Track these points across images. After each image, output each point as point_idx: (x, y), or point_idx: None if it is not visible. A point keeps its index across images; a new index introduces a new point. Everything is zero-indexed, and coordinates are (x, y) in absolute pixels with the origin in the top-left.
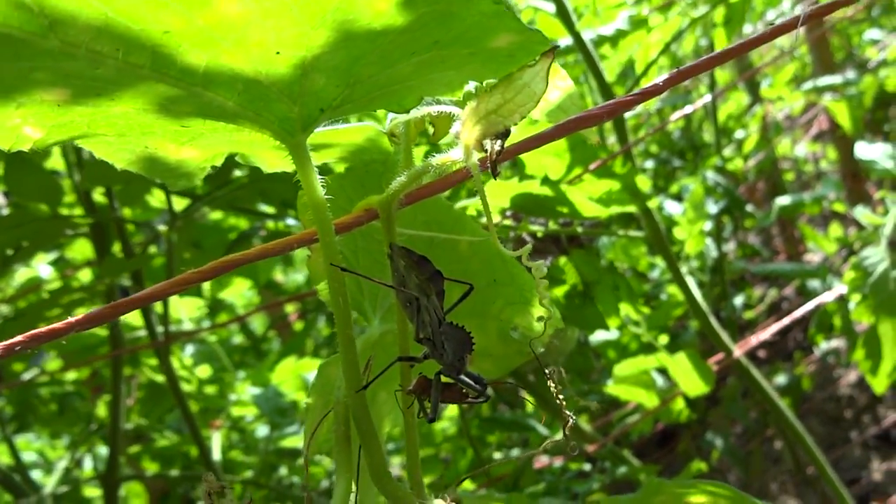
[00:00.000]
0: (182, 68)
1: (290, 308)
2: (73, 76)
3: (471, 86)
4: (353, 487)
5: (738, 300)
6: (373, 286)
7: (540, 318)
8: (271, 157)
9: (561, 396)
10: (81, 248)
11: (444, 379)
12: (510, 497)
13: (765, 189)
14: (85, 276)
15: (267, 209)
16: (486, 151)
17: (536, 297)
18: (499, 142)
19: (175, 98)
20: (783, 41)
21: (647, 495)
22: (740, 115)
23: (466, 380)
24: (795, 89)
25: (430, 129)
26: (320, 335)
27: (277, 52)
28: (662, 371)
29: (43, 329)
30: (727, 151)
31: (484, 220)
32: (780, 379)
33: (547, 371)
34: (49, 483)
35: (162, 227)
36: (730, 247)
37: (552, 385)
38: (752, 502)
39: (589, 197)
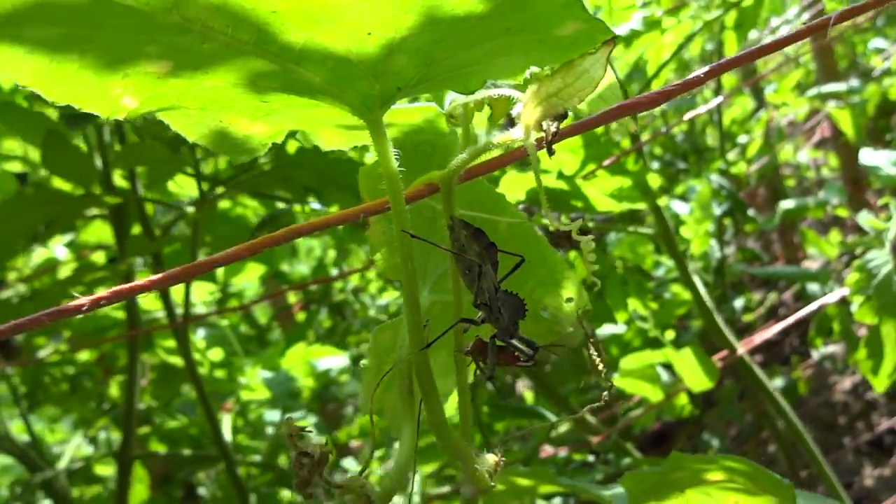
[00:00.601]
0: (282, 45)
1: (293, 299)
2: (180, 50)
3: (531, 70)
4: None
5: (738, 303)
6: (422, 259)
7: (569, 300)
8: (331, 136)
9: (601, 365)
10: (96, 231)
11: (497, 342)
12: (533, 470)
13: (765, 195)
14: (98, 258)
15: (283, 195)
16: (544, 131)
17: (566, 278)
18: (555, 123)
19: (266, 73)
20: (788, 48)
21: (669, 470)
22: (744, 119)
23: (518, 344)
24: (800, 96)
25: (487, 111)
26: (321, 327)
27: (369, 33)
28: (667, 366)
29: (93, 297)
30: (730, 155)
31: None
32: (777, 382)
33: (590, 339)
34: (62, 461)
35: (190, 209)
36: (729, 250)
37: (593, 353)
38: (772, 477)
39: (601, 193)
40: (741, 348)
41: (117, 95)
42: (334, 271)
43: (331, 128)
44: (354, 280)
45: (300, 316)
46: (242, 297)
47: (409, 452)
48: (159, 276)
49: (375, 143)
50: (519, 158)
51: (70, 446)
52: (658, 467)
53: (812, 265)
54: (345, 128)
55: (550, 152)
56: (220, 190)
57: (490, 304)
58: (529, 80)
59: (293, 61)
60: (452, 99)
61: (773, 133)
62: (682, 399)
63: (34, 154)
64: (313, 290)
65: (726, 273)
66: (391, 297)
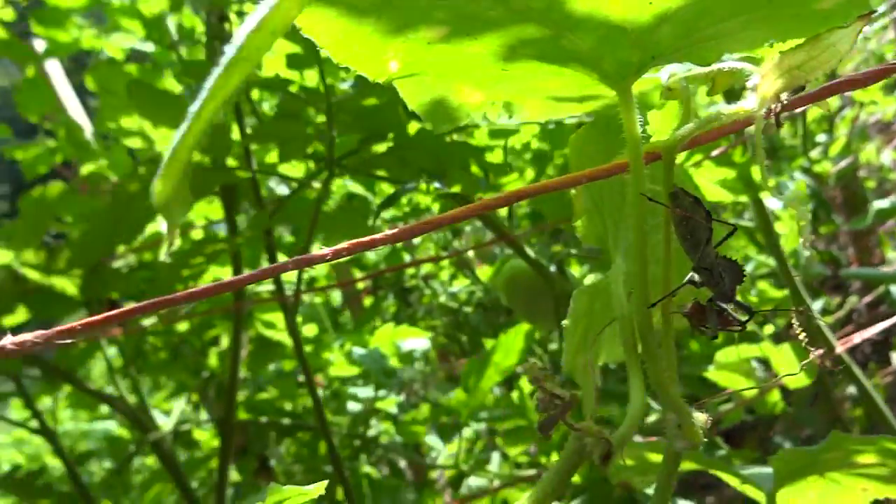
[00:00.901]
0: (566, 13)
1: (361, 284)
2: (464, 16)
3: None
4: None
5: (817, 305)
6: (613, 229)
7: None
8: (537, 107)
9: (801, 334)
10: (195, 209)
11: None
12: (653, 443)
13: (842, 197)
14: (196, 235)
15: (380, 172)
16: (779, 103)
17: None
18: (786, 95)
19: (532, 40)
20: (871, 45)
21: (824, 450)
22: (824, 117)
23: (729, 310)
24: (888, 94)
25: (708, 85)
26: (387, 312)
27: (650, 3)
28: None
29: (334, 248)
30: (813, 154)
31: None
32: (851, 389)
33: (796, 309)
34: (167, 424)
35: (316, 185)
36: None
37: (797, 322)
38: None
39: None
40: (839, 346)
41: (387, 59)
42: (406, 258)
43: (541, 99)
44: (426, 268)
45: (367, 300)
46: (330, 279)
47: (640, 404)
48: (388, 233)
49: (623, 111)
50: (737, 130)
51: (175, 411)
52: (817, 444)
53: (889, 270)
54: (555, 99)
55: (779, 125)
56: (337, 170)
57: (711, 269)
58: (770, 52)
59: (569, 28)
60: (671, 72)
61: (855, 132)
62: (775, 395)
63: (150, 129)
64: (387, 276)
65: (805, 274)
66: (462, 284)
